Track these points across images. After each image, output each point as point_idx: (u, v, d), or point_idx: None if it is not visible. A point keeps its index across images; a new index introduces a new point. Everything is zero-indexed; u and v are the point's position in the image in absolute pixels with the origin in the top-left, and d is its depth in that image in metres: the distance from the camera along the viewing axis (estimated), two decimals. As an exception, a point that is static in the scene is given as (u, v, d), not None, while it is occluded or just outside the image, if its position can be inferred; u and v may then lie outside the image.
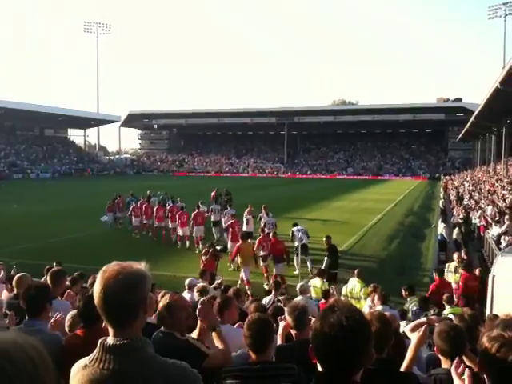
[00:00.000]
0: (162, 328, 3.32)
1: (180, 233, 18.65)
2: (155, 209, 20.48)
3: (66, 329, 4.00)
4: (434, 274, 10.81)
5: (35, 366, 1.07)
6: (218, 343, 3.40)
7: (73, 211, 28.58)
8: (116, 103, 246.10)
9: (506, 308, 6.41)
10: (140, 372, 1.78)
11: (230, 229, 16.10)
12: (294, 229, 14.98)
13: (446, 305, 7.97)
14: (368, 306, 8.13)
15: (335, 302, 1.71)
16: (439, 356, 3.35)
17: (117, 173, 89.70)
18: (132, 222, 21.60)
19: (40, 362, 1.09)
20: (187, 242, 18.48)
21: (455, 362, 2.34)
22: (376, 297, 7.77)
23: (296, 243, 14.41)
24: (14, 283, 6.19)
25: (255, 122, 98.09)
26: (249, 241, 13.97)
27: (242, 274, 12.96)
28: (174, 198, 24.72)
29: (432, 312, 7.32)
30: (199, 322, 3.58)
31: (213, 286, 8.88)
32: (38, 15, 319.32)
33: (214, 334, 3.45)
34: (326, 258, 13.22)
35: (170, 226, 19.59)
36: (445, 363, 3.26)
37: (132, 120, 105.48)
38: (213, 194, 28.81)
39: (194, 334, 3.54)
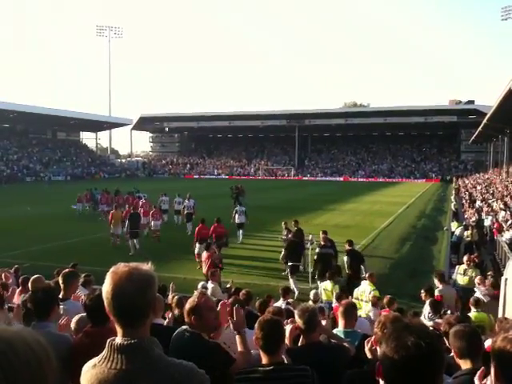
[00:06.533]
0: (187, 327, 3.24)
1: None
2: (115, 198, 26.69)
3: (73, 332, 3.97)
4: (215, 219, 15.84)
5: (37, 358, 1.09)
6: (240, 347, 3.39)
7: (83, 213, 28.80)
8: (128, 106, 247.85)
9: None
10: (148, 371, 1.79)
11: (142, 208, 21.64)
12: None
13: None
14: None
15: (410, 321, 1.64)
16: (457, 360, 3.26)
17: (128, 176, 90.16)
18: (99, 208, 27.93)
19: (43, 355, 1.11)
20: None
21: (480, 371, 2.22)
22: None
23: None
24: (30, 285, 6.32)
25: (266, 124, 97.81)
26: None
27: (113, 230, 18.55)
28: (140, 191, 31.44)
29: (439, 316, 7.20)
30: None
31: (222, 289, 8.90)
32: (51, 19, 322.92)
33: (237, 336, 3.42)
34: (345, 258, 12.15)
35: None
36: (464, 365, 3.17)
37: (143, 123, 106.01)
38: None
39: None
